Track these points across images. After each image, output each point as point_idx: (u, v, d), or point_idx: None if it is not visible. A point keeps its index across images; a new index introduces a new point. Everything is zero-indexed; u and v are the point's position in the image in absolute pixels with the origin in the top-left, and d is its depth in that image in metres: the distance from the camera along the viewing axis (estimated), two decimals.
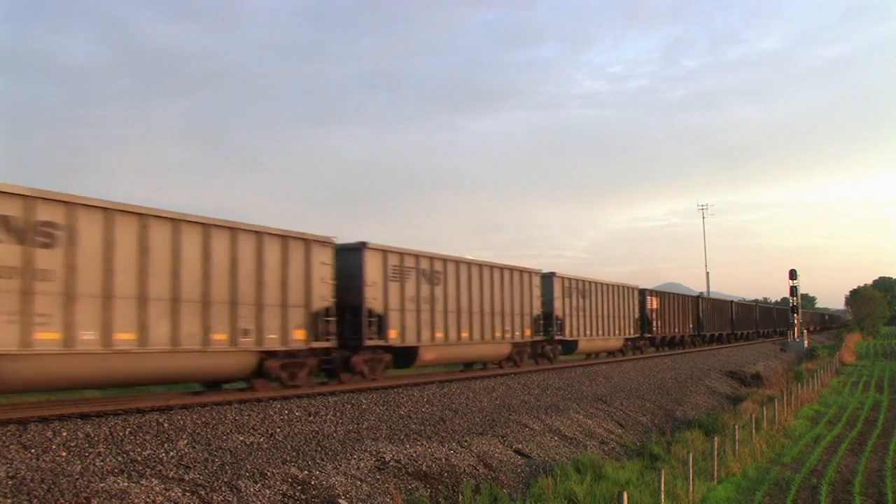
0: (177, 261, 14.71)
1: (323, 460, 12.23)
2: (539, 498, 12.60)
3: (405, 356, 21.59)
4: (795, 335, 67.84)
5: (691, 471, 13.78)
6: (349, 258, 19.58)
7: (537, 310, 28.46)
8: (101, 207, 13.54)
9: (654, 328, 42.45)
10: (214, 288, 15.39)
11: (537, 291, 28.57)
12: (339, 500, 11.07)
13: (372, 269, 19.93)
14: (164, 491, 9.72)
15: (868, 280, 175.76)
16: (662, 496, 11.99)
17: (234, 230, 16.04)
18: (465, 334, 23.65)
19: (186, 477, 10.30)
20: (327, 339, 18.27)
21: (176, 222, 14.82)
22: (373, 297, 19.85)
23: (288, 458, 11.94)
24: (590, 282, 34.01)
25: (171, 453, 11.05)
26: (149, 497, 9.47)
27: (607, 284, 36.20)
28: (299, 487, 11.02)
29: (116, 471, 9.99)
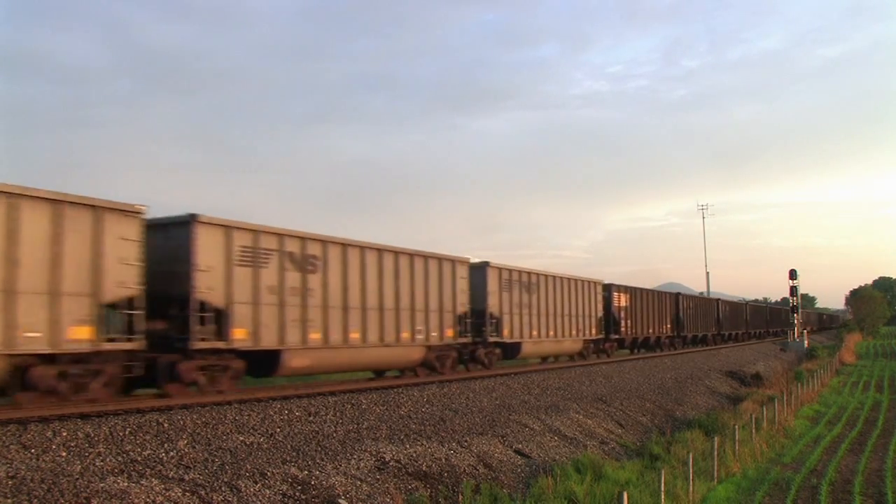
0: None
1: (323, 460, 12.23)
2: (539, 498, 12.60)
3: (262, 363, 17.20)
4: (795, 335, 67.91)
5: (691, 471, 13.78)
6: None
7: (464, 306, 24.15)
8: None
9: (624, 328, 37.99)
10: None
11: (463, 284, 24.22)
12: (339, 500, 11.07)
13: (206, 249, 15.53)
14: (164, 491, 9.72)
15: (868, 280, 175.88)
16: (662, 496, 11.99)
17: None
18: (354, 335, 19.29)
19: (186, 477, 10.30)
20: (129, 340, 14.14)
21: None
22: (207, 287, 15.50)
23: (288, 458, 11.94)
24: (538, 274, 29.44)
25: (171, 453, 11.05)
26: (149, 497, 9.47)
27: (562, 278, 31.45)
28: (299, 487, 11.03)
29: (116, 471, 9.99)
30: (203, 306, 15.30)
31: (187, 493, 9.87)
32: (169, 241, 15.55)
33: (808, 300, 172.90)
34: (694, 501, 13.55)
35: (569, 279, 32.02)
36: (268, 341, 16.70)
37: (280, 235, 17.31)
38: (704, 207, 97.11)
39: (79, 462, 10.05)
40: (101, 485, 9.41)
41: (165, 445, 11.33)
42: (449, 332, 23.36)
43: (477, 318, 25.13)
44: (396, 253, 21.35)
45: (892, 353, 70.03)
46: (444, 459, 13.90)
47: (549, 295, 29.98)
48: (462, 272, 24.30)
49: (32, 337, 12.64)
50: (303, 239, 17.98)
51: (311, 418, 14.44)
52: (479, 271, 25.59)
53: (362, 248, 20.02)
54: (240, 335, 16.07)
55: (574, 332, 32.27)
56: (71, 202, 13.36)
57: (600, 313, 35.28)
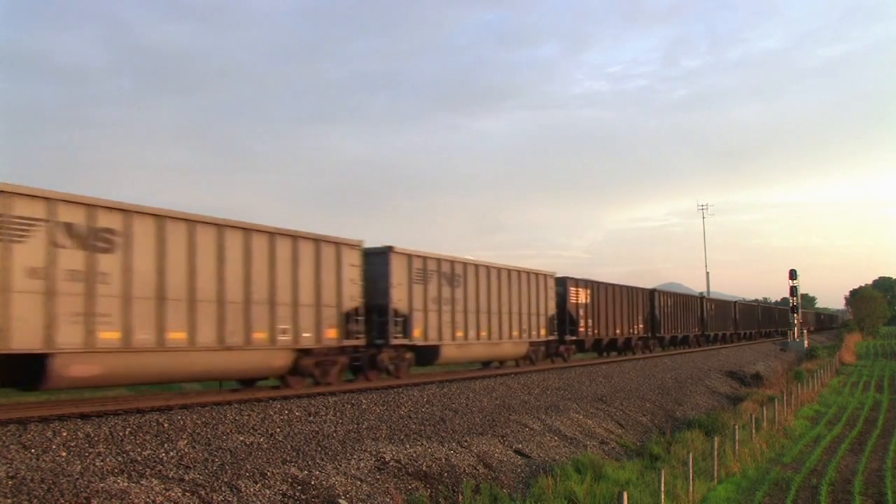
0: None
1: (323, 460, 12.23)
2: (539, 498, 12.60)
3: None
4: (795, 335, 67.99)
5: (691, 471, 13.78)
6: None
7: (354, 300, 19.38)
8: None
9: (583, 328, 32.98)
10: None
11: (353, 273, 19.54)
12: (339, 500, 11.07)
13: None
14: (164, 491, 9.72)
15: (868, 280, 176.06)
16: (662, 496, 11.98)
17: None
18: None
19: (186, 477, 10.30)
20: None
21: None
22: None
23: (288, 458, 11.95)
24: (464, 263, 24.48)
25: (171, 453, 11.05)
26: (149, 497, 9.47)
27: (499, 268, 26.38)
28: (299, 487, 11.03)
29: (116, 471, 9.99)
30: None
31: (187, 493, 9.87)
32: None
33: (808, 300, 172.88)
34: (694, 501, 13.55)
35: (508, 270, 27.01)
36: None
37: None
38: (704, 207, 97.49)
39: (79, 462, 10.05)
40: (101, 485, 9.41)
41: (165, 445, 11.33)
42: (330, 333, 18.53)
43: (379, 316, 20.73)
44: (271, 234, 17.10)
45: (892, 353, 70.08)
46: (444, 459, 13.90)
47: (480, 289, 24.96)
48: (352, 258, 19.56)
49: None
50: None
51: (311, 418, 14.45)
52: (379, 258, 20.81)
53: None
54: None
55: (516, 333, 27.06)
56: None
57: (552, 311, 30.05)
